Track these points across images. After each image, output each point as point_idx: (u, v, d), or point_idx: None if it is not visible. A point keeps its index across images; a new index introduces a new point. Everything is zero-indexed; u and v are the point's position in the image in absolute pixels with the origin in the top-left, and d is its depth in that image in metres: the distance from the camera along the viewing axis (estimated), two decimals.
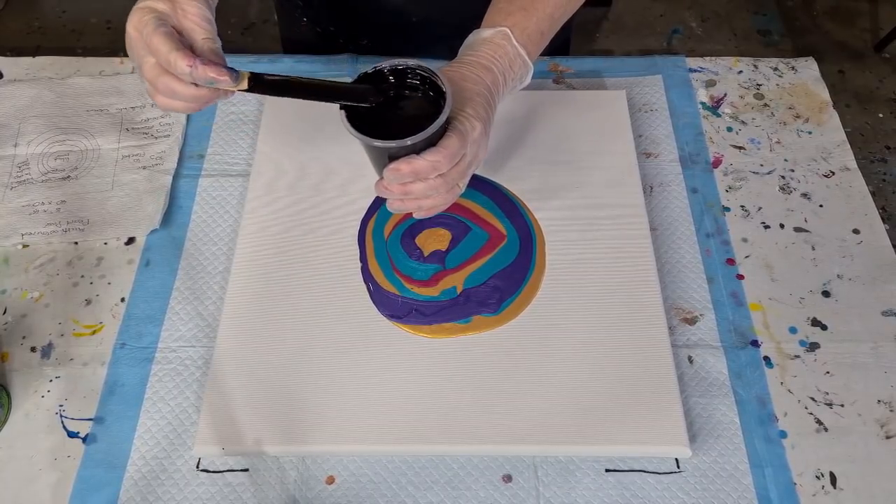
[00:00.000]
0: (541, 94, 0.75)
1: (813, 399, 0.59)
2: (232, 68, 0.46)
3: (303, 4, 0.84)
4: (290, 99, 0.78)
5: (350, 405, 0.56)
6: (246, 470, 0.55)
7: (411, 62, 0.50)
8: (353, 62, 0.80)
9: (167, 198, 0.69)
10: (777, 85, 0.79)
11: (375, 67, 0.50)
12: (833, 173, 0.72)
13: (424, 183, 0.49)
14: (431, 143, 0.48)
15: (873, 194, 0.71)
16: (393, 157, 0.48)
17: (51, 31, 2.01)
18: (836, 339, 0.61)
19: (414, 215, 0.53)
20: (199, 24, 0.48)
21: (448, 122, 0.48)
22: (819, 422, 0.57)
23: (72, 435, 0.57)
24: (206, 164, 0.72)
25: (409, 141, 0.46)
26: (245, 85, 0.47)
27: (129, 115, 0.75)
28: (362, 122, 0.48)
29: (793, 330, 0.62)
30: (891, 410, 0.58)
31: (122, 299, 0.63)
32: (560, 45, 0.91)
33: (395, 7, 0.78)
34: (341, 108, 0.49)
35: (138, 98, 0.77)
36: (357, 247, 0.65)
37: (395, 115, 0.50)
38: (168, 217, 0.68)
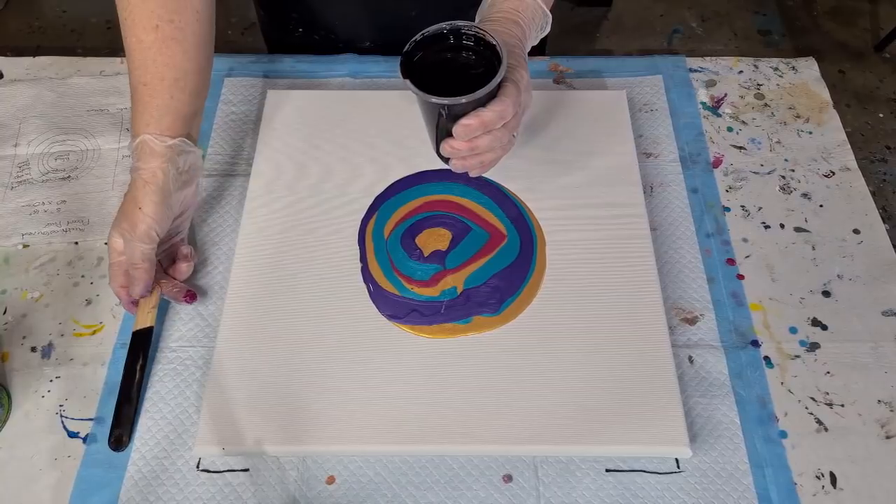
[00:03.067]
0: (541, 94, 0.75)
1: (813, 399, 0.59)
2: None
3: (297, 16, 0.83)
4: (290, 99, 0.78)
5: (350, 405, 0.56)
6: (246, 470, 0.55)
7: (461, 23, 0.53)
8: (355, 61, 0.80)
9: None
10: (777, 85, 0.79)
11: (424, 33, 0.53)
12: (833, 173, 0.72)
13: (490, 135, 0.52)
14: (491, 96, 0.51)
15: (873, 194, 0.71)
16: (457, 115, 0.51)
17: (51, 31, 2.01)
18: (836, 339, 0.61)
19: (471, 174, 0.57)
20: (137, 274, 0.59)
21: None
22: (819, 422, 0.57)
23: (72, 435, 0.57)
24: (206, 164, 0.72)
25: (480, 93, 0.49)
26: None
27: (129, 115, 0.75)
28: (420, 86, 0.50)
29: (793, 330, 0.62)
30: (891, 410, 0.58)
31: None
32: (537, 46, 0.91)
33: (394, 4, 0.78)
34: (404, 76, 0.51)
35: None
36: (357, 247, 0.65)
37: (448, 76, 0.53)
38: None
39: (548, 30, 0.62)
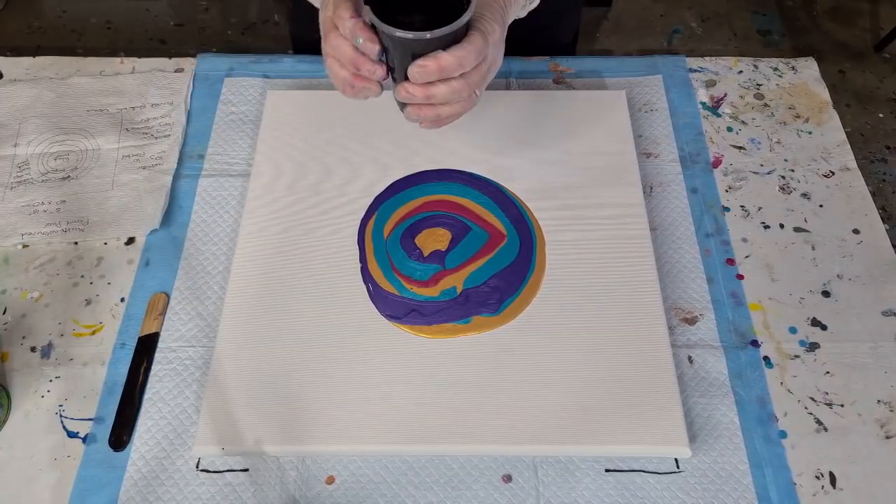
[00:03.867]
0: (541, 94, 0.75)
1: (813, 399, 0.59)
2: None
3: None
4: (290, 99, 0.78)
5: (350, 405, 0.56)
6: (246, 470, 0.55)
7: None
8: None
9: (167, 198, 0.69)
10: (777, 85, 0.79)
11: None
12: (833, 173, 0.72)
13: (447, 85, 0.50)
14: (455, 41, 0.49)
15: (873, 194, 0.71)
16: (417, 56, 0.49)
17: (51, 31, 2.01)
18: (836, 339, 0.61)
19: (424, 126, 0.54)
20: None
21: (469, 25, 0.50)
22: (819, 422, 0.57)
23: (72, 435, 0.57)
24: (206, 164, 0.72)
25: (441, 31, 0.47)
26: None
27: (129, 115, 0.75)
28: (386, 23, 0.48)
29: (793, 330, 0.62)
30: (891, 410, 0.58)
31: (122, 299, 0.63)
32: (567, 45, 0.91)
33: None
34: (366, 2, 0.49)
35: (138, 98, 0.77)
36: (356, 247, 0.65)
37: (417, 18, 0.50)
38: (168, 217, 0.68)
39: (536, 2, 0.60)
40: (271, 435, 0.55)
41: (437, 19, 0.49)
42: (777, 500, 0.54)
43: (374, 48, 0.50)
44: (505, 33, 0.55)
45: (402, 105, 0.54)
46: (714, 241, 0.67)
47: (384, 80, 0.52)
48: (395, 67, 0.52)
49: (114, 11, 2.04)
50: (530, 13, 0.65)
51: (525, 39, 0.80)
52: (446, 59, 0.48)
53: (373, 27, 0.49)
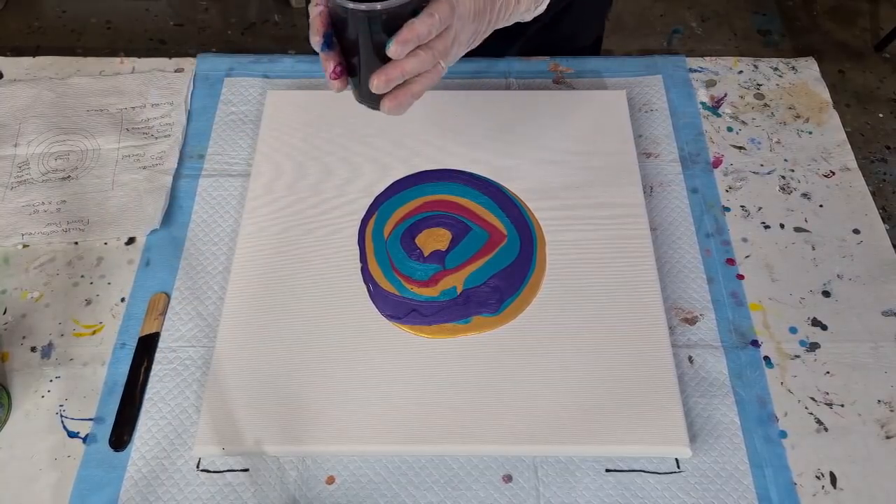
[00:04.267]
0: (541, 94, 0.75)
1: (813, 399, 0.59)
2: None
3: None
4: (290, 99, 0.78)
5: (350, 405, 0.56)
6: (246, 470, 0.55)
7: None
8: None
9: (167, 198, 0.69)
10: (777, 85, 0.79)
11: None
12: (833, 173, 0.72)
13: (416, 57, 0.49)
14: (415, 13, 0.48)
15: (873, 194, 0.71)
16: (383, 35, 0.47)
17: (51, 31, 2.01)
18: (836, 339, 0.61)
19: (398, 112, 0.52)
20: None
21: None
22: (819, 422, 0.57)
23: (72, 435, 0.57)
24: (206, 164, 0.72)
25: (397, 1, 0.45)
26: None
27: (129, 115, 0.75)
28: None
29: (793, 330, 0.62)
30: (891, 410, 0.58)
31: (122, 299, 0.63)
32: (587, 48, 0.91)
33: None
34: None
35: (138, 98, 0.77)
36: (356, 247, 0.65)
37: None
38: (168, 217, 0.68)
39: (543, 6, 0.59)
40: (271, 435, 0.55)
41: None
42: (777, 500, 0.54)
43: (316, 40, 0.50)
44: (485, 25, 0.53)
45: (375, 103, 0.52)
46: (714, 241, 0.67)
47: (336, 78, 0.51)
48: (361, 60, 0.50)
49: (114, 11, 2.04)
50: (557, 19, 0.63)
51: (548, 44, 0.80)
52: (419, 25, 0.47)
53: (334, 23, 0.48)
